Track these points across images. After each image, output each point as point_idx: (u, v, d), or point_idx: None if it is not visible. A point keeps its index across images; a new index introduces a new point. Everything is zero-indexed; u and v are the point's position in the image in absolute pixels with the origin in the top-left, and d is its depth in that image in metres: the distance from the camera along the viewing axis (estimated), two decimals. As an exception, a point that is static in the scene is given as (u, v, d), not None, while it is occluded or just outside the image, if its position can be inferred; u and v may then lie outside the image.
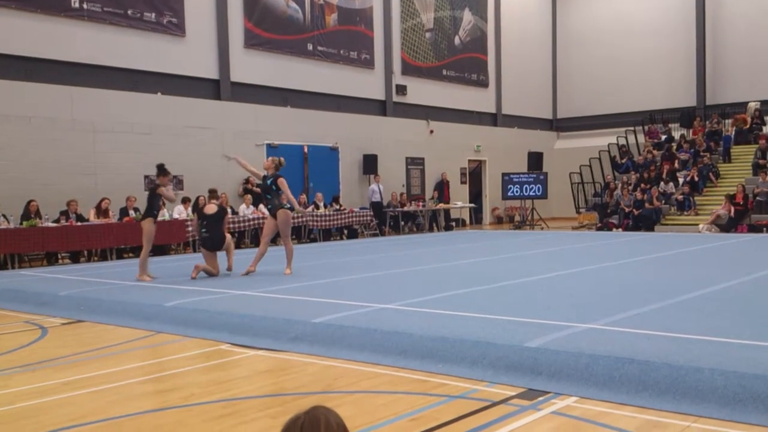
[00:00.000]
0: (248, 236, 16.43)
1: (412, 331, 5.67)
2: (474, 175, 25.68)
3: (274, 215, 9.90)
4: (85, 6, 15.03)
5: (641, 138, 24.75)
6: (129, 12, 15.80)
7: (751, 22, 24.63)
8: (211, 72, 17.57)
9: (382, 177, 20.66)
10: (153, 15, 16.24)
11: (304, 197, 18.30)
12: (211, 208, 10.02)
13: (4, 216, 12.90)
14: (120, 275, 10.39)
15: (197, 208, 9.79)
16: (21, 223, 12.82)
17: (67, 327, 7.42)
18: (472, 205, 24.70)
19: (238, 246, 15.73)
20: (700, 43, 25.44)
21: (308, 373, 5.25)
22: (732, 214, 17.82)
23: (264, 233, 10.24)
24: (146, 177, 15.89)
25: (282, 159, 10.40)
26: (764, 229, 17.33)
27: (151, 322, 7.22)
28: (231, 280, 9.43)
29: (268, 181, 9.99)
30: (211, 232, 9.85)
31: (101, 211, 14.14)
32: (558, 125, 29.44)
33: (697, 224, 18.24)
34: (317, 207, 18.16)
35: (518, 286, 8.25)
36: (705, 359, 4.48)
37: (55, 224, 13.16)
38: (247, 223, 15.93)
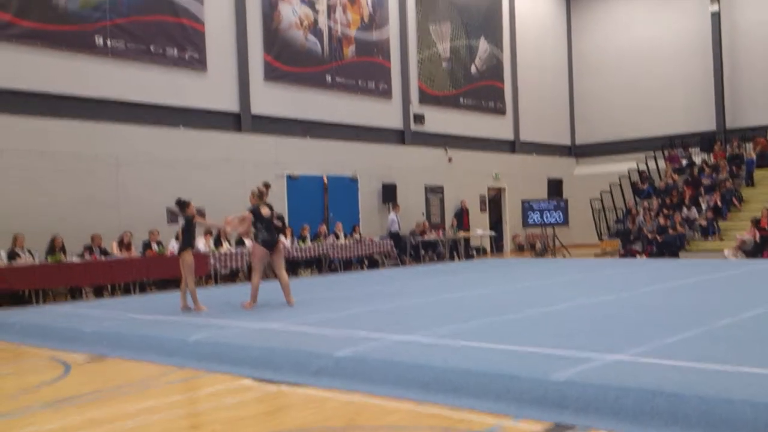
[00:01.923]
0: (268, 268, 16.43)
1: (434, 364, 5.61)
2: (494, 203, 25.62)
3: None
4: (109, 43, 15.33)
5: (662, 163, 24.60)
6: (152, 48, 16.08)
7: (769, 45, 24.55)
8: (232, 105, 17.79)
9: (401, 206, 20.68)
10: (175, 51, 16.51)
11: (324, 227, 18.35)
12: (266, 211, 10.04)
13: (29, 251, 13.05)
14: (143, 309, 10.43)
15: (256, 212, 9.88)
16: (46, 258, 12.95)
17: (90, 363, 7.45)
18: (493, 233, 24.62)
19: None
20: (718, 68, 25.37)
21: (330, 408, 5.21)
22: (757, 239, 17.57)
23: (274, 266, 10.29)
24: (168, 209, 16.03)
25: (261, 187, 10.15)
26: (791, 253, 17.07)
27: (174, 357, 7.23)
28: (253, 313, 9.43)
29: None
30: (269, 232, 9.92)
31: (123, 245, 14.25)
32: (577, 151, 29.37)
33: (722, 250, 17.99)
34: (337, 237, 18.20)
35: (542, 316, 8.15)
36: (736, 390, 4.39)
37: (79, 259, 13.28)
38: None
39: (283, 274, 10.13)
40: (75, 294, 13.70)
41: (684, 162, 23.84)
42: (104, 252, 13.94)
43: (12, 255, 12.79)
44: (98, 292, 13.90)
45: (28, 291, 12.79)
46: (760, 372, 4.90)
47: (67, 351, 8.09)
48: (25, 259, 12.80)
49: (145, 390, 6.15)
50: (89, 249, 13.79)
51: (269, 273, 12.20)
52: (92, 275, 13.20)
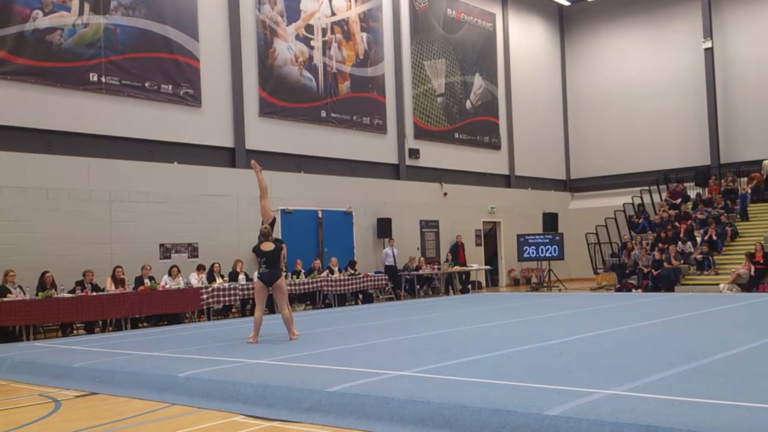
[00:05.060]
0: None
1: (429, 400, 5.53)
2: (489, 237, 25.61)
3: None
4: (103, 79, 15.40)
5: (656, 197, 24.68)
6: (146, 84, 16.16)
7: (762, 80, 24.84)
8: (226, 141, 17.83)
9: (396, 240, 20.65)
10: (170, 87, 16.60)
11: (318, 262, 18.29)
12: (268, 246, 10.10)
13: (20, 287, 12.94)
14: (134, 345, 10.31)
15: (256, 248, 10.16)
16: (37, 294, 12.83)
17: (80, 400, 7.33)
18: (488, 267, 24.56)
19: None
20: (711, 103, 25.60)
21: (323, 446, 5.12)
22: (752, 272, 17.56)
23: (275, 302, 10.43)
24: (161, 245, 15.99)
25: (266, 224, 10.36)
26: (786, 287, 17.04)
27: (165, 394, 7.12)
28: (245, 349, 9.33)
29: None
30: (270, 268, 10.03)
31: (117, 280, 14.15)
32: (572, 186, 29.47)
33: (718, 284, 17.98)
34: (332, 272, 18.12)
35: (537, 351, 8.09)
36: (731, 425, 4.33)
37: (70, 295, 13.16)
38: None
39: (284, 310, 10.10)
40: (66, 330, 13.55)
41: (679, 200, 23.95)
42: (96, 288, 13.82)
43: (2, 291, 12.67)
44: (89, 329, 13.75)
45: (19, 327, 12.64)
46: (754, 406, 4.84)
47: (57, 388, 7.97)
48: (15, 295, 12.68)
49: (135, 427, 6.04)
50: (80, 284, 13.67)
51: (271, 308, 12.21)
52: (83, 311, 13.05)
